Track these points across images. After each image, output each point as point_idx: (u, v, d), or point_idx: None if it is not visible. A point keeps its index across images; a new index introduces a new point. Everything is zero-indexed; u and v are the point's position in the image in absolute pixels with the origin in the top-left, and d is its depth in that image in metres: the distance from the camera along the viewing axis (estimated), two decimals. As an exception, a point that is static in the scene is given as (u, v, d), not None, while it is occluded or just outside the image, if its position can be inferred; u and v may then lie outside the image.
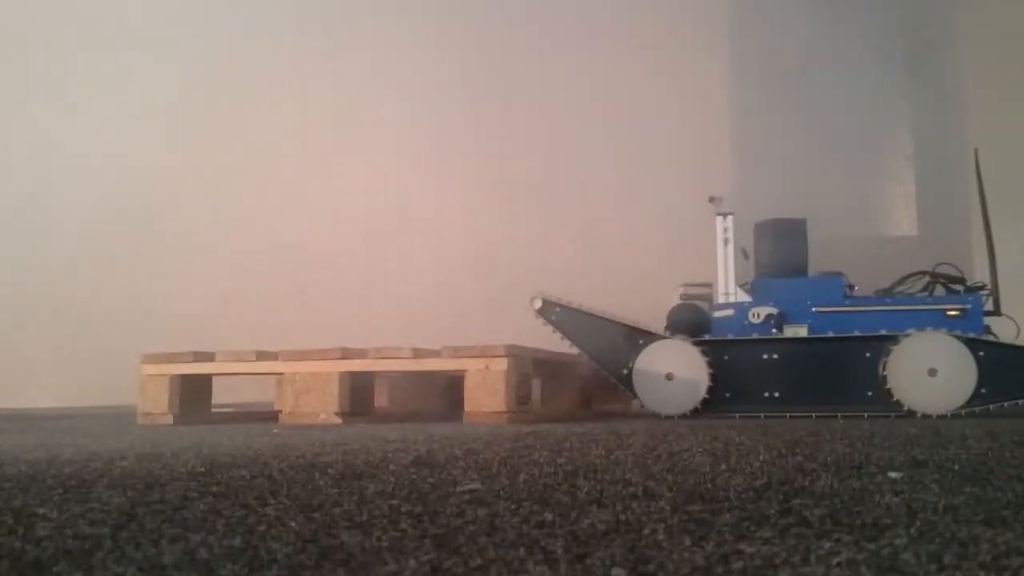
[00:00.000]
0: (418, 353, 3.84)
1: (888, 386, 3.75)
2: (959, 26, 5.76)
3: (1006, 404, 3.70)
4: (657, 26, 5.67)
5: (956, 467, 1.73)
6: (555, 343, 4.22)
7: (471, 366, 3.69)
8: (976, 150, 4.25)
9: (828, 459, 1.88)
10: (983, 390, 3.69)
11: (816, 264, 4.15)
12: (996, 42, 5.58)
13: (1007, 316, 3.97)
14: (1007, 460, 1.85)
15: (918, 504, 1.25)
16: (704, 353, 3.91)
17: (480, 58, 5.72)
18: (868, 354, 3.81)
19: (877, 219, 6.25)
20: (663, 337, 4.03)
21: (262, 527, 1.11)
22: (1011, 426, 3.00)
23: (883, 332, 3.82)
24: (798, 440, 2.39)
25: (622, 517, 1.15)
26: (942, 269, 4.04)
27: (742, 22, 5.83)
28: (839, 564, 0.89)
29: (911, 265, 4.15)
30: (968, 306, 3.82)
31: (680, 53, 5.61)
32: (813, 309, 3.93)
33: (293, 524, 1.13)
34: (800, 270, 4.07)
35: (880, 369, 3.78)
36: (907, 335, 3.75)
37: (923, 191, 6.04)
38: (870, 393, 3.81)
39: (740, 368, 3.92)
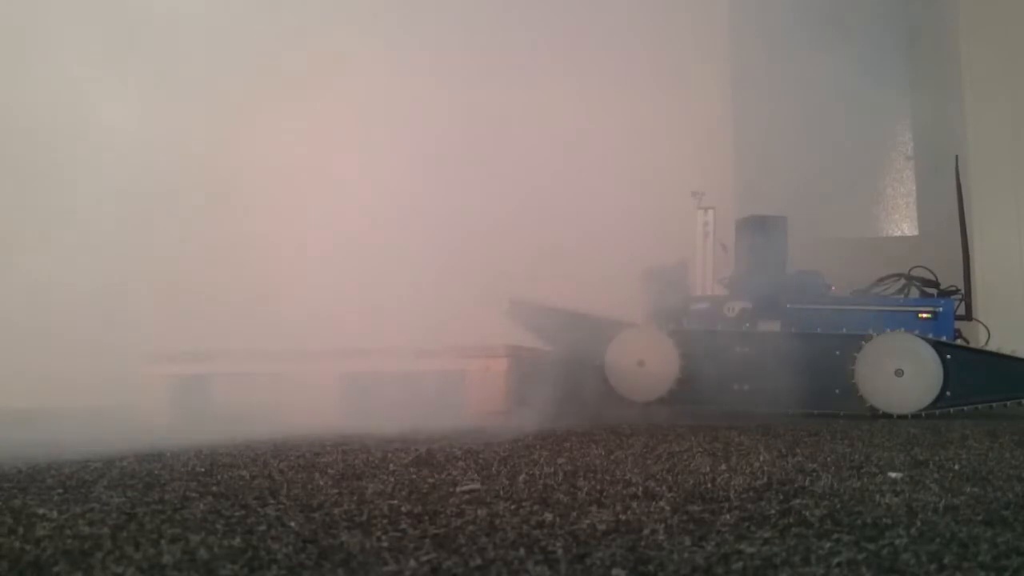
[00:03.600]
0: (419, 353, 3.83)
1: (855, 384, 3.77)
2: (960, 26, 5.76)
3: (966, 408, 3.71)
4: (655, 23, 5.66)
5: (956, 467, 1.73)
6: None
7: (471, 366, 3.68)
8: (956, 157, 4.26)
9: (828, 459, 1.88)
10: (948, 392, 3.71)
11: (812, 262, 4.16)
12: (996, 43, 5.58)
13: (978, 321, 3.98)
14: (1007, 460, 1.85)
15: (918, 504, 1.25)
16: (677, 343, 3.93)
17: (475, 56, 5.70)
18: (838, 352, 3.83)
19: (876, 219, 6.26)
20: (635, 325, 4.06)
21: (262, 527, 1.11)
22: (1011, 426, 3.00)
23: (847, 331, 3.84)
24: (798, 440, 2.39)
25: (622, 517, 1.15)
26: (918, 272, 4.06)
27: (741, 22, 5.83)
28: (839, 564, 0.89)
29: (908, 265, 4.16)
30: (940, 309, 3.84)
31: (678, 51, 5.61)
32: (788, 306, 3.95)
33: (293, 524, 1.13)
34: (778, 267, 4.09)
35: (848, 367, 3.80)
36: (876, 335, 3.77)
37: (923, 191, 6.05)
38: (838, 391, 3.82)
39: (712, 359, 3.93)
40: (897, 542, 0.98)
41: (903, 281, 4.07)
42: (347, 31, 5.72)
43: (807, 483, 1.47)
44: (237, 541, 1.02)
